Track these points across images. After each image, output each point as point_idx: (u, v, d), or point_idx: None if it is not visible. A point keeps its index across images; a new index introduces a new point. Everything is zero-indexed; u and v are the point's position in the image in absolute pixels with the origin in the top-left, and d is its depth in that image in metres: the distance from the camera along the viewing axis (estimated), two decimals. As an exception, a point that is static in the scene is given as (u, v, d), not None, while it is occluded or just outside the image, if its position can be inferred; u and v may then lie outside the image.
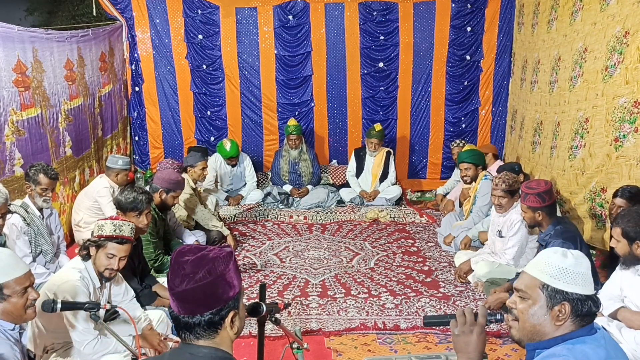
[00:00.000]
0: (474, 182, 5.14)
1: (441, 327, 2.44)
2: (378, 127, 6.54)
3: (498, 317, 1.80)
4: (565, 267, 1.64)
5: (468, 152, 5.23)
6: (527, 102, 6.03)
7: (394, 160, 6.76)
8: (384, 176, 6.60)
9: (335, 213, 6.26)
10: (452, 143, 6.33)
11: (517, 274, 3.91)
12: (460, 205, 5.58)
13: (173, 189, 4.28)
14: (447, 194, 6.37)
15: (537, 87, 5.72)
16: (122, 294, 3.04)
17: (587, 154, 4.49)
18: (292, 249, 5.22)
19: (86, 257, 2.78)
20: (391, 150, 6.72)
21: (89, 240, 2.77)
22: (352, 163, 6.74)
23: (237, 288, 1.53)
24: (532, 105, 5.86)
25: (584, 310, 1.62)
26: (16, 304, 2.03)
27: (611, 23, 4.16)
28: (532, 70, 5.89)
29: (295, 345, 2.28)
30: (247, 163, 6.74)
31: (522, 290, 1.70)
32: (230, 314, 1.51)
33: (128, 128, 7.24)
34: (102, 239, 2.73)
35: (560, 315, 1.63)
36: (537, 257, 1.74)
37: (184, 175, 5.12)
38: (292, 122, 6.62)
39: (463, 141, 6.25)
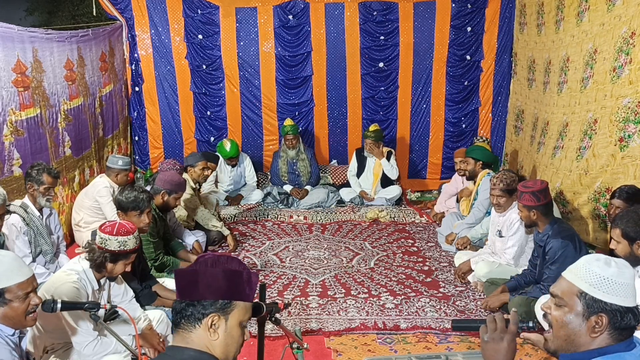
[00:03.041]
0: (472, 182, 5.16)
1: (468, 331, 2.38)
2: (372, 127, 6.50)
3: (530, 324, 1.70)
4: (606, 276, 1.52)
5: (471, 147, 5.40)
6: (538, 103, 5.97)
7: (395, 159, 6.75)
8: (385, 176, 6.57)
9: (335, 213, 6.25)
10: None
11: (511, 277, 3.92)
12: (457, 201, 5.58)
13: (175, 190, 4.29)
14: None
15: (549, 88, 5.68)
16: (122, 295, 3.03)
17: (591, 154, 4.47)
18: (292, 249, 5.22)
19: (102, 270, 2.78)
20: (392, 150, 6.68)
21: (110, 255, 2.74)
22: (354, 163, 6.72)
23: (238, 298, 1.53)
24: (544, 105, 5.81)
25: (623, 323, 1.51)
26: (17, 309, 2.00)
27: (618, 24, 4.15)
28: (543, 71, 5.83)
29: (295, 345, 2.27)
30: (247, 163, 6.73)
31: (559, 296, 1.59)
32: (212, 315, 1.49)
33: (129, 128, 7.24)
34: (127, 253, 2.77)
35: (597, 327, 1.51)
36: (578, 262, 1.61)
37: (184, 175, 5.12)
38: (288, 122, 6.60)
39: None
